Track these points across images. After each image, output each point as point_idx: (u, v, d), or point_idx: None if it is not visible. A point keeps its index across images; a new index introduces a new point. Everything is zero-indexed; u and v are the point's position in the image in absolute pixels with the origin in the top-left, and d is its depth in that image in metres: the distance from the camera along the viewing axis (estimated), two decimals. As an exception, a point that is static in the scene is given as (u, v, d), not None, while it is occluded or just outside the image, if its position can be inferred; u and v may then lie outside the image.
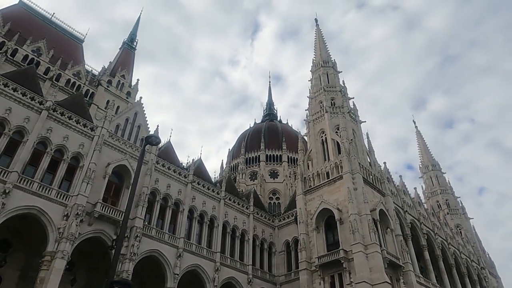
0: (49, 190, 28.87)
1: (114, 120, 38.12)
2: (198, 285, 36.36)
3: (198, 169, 43.83)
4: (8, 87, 30.15)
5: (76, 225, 28.16)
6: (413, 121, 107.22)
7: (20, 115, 29.90)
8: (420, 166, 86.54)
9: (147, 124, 42.16)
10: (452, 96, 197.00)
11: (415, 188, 58.21)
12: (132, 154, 35.91)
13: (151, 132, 39.32)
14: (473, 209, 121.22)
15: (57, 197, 29.04)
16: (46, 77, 44.60)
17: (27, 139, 29.41)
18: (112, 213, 31.10)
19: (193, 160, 46.01)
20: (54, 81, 45.27)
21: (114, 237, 29.48)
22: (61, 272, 26.44)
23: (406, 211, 47.62)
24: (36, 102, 31.28)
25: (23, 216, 27.61)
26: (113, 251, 11.42)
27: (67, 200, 29.37)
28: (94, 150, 32.72)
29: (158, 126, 40.04)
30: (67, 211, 28.64)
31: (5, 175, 26.84)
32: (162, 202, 36.80)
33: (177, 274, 33.69)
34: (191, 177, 40.04)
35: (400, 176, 54.65)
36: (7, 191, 26.11)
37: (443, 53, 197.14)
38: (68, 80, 47.84)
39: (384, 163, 50.38)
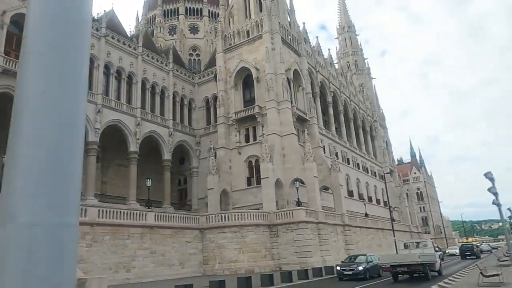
0: None
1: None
2: (121, 138, 37.99)
3: (111, 22, 40.69)
4: None
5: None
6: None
7: None
8: (338, 27, 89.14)
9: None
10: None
11: (329, 49, 61.27)
12: None
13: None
14: (375, 70, 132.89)
15: None
16: None
17: None
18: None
19: (104, 11, 42.19)
20: None
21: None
22: None
23: (318, 71, 51.34)
24: None
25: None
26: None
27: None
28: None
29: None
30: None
31: None
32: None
33: (98, 129, 34.59)
34: (103, 31, 37.35)
35: (317, 37, 56.86)
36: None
37: None
38: None
39: (303, 23, 51.42)
